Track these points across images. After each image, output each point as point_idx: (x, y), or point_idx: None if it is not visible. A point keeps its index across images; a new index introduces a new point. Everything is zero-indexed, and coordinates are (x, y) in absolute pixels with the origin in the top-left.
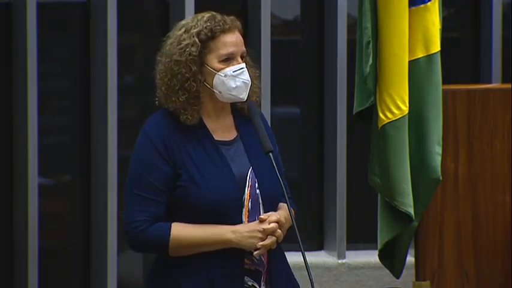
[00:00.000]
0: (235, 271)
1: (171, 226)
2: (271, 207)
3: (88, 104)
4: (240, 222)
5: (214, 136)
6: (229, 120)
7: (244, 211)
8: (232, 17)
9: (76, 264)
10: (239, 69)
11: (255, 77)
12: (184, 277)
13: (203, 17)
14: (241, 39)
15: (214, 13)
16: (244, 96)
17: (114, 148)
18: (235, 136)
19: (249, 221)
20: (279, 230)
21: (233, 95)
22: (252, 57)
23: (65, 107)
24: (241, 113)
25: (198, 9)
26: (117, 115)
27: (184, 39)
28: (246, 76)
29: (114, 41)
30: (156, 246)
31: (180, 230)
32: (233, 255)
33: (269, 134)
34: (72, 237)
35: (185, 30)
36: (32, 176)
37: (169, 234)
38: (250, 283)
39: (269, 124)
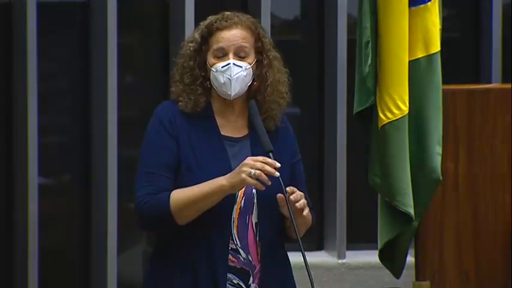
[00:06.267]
0: (218, 265)
1: (171, 192)
2: (266, 208)
3: (88, 104)
4: (230, 218)
5: (221, 131)
6: (241, 120)
7: (236, 208)
8: (240, 16)
9: (76, 264)
10: (226, 65)
11: (278, 82)
12: (170, 271)
13: (217, 15)
14: (243, 35)
15: (232, 12)
16: (231, 92)
17: (114, 148)
18: (244, 135)
19: (239, 219)
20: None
21: (223, 91)
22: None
23: (65, 107)
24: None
25: (198, 9)
26: (117, 115)
27: (192, 35)
28: (230, 72)
29: (114, 41)
30: (160, 212)
31: (179, 191)
32: (218, 249)
33: (292, 145)
34: (72, 237)
35: (198, 26)
36: (32, 176)
37: (169, 196)
38: (235, 281)
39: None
